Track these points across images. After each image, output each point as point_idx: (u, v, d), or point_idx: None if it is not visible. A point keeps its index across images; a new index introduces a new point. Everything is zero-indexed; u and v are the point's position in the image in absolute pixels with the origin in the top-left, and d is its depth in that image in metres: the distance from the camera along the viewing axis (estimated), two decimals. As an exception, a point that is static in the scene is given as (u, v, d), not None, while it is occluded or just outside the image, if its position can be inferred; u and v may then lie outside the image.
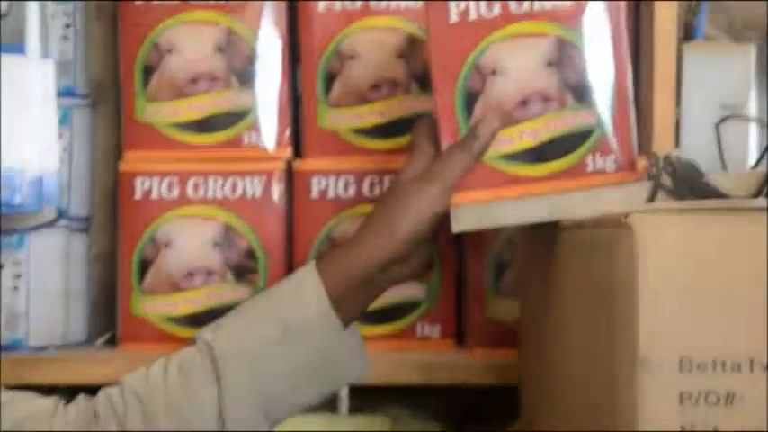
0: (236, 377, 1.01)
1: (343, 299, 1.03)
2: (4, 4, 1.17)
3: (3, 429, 1.00)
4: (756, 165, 1.19)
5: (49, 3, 1.24)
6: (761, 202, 0.91)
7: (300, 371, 1.02)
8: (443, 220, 1.04)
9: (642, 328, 0.84)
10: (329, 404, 1.24)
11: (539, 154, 1.05)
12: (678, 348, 0.83)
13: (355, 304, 1.04)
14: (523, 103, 1.05)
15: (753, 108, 1.44)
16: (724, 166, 1.18)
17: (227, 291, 1.26)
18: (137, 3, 1.27)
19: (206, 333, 1.04)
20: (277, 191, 1.27)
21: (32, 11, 1.18)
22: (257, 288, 1.25)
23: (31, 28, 1.18)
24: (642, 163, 1.05)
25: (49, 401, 1.04)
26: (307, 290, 1.03)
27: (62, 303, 1.29)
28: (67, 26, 1.30)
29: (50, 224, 1.28)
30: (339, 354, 1.04)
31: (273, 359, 1.02)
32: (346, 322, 1.04)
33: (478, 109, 1.05)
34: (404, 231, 1.03)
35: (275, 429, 1.04)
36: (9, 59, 1.18)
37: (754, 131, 1.33)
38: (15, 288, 1.26)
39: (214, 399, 1.01)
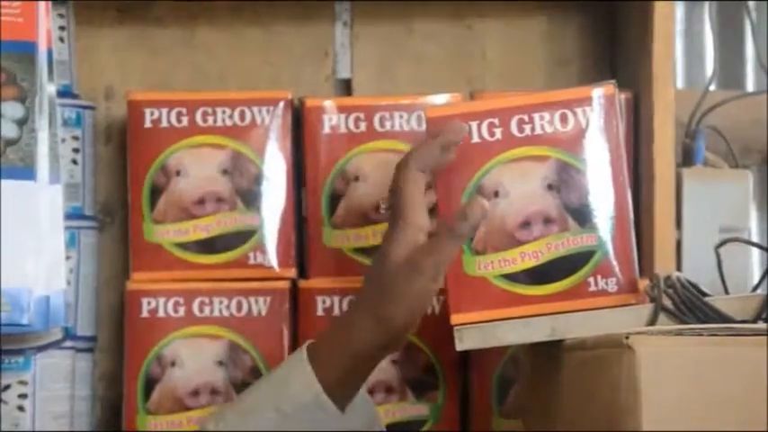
0: None
1: (339, 383, 1.04)
2: (14, 129, 1.19)
3: None
4: (757, 287, 1.20)
5: (59, 128, 1.26)
6: (761, 325, 0.93)
7: None
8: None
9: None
10: None
11: (541, 275, 1.07)
12: None
13: (350, 386, 1.06)
14: (525, 224, 1.07)
15: (753, 231, 1.46)
16: (725, 289, 1.19)
17: (231, 410, 1.26)
18: (146, 127, 1.30)
19: (209, 423, 1.05)
20: (282, 310, 1.28)
21: (42, 136, 1.20)
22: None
23: (40, 153, 1.20)
24: (643, 284, 1.07)
25: None
26: (297, 379, 1.04)
27: (67, 423, 1.29)
28: (76, 150, 1.33)
29: (57, 344, 1.28)
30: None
31: None
32: (344, 402, 1.05)
33: (481, 230, 1.07)
34: (398, 322, 1.04)
35: None
36: (18, 185, 1.19)
37: (754, 254, 1.35)
38: (20, 408, 1.26)
39: None
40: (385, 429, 1.10)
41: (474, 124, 1.08)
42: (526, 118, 1.08)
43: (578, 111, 1.08)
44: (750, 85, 1.59)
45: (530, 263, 1.07)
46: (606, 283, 1.07)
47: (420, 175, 1.06)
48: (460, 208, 1.05)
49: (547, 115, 1.08)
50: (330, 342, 1.06)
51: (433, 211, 1.08)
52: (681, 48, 1.59)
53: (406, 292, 1.04)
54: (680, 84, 1.54)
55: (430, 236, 1.06)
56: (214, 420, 1.05)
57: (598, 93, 1.09)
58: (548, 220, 1.07)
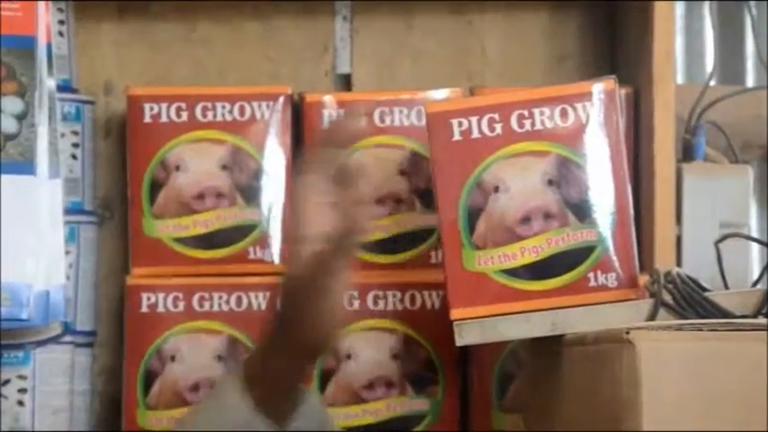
0: None
1: (270, 401, 1.01)
2: (14, 124, 1.19)
3: None
4: (757, 283, 1.20)
5: (59, 123, 1.26)
6: (761, 321, 0.93)
7: None
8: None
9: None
10: None
11: (541, 270, 1.07)
12: None
13: (284, 398, 1.03)
14: (525, 219, 1.08)
15: (753, 226, 1.46)
16: (725, 284, 1.19)
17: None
18: (146, 122, 1.30)
19: None
20: (282, 305, 1.28)
21: (42, 131, 1.20)
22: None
23: (40, 148, 1.20)
24: (643, 279, 1.07)
25: None
26: (228, 401, 1.02)
27: (66, 418, 1.29)
28: (76, 145, 1.33)
29: (56, 339, 1.28)
30: None
31: None
32: (280, 416, 1.01)
33: (481, 225, 1.07)
34: (311, 344, 1.01)
35: None
36: (18, 179, 1.19)
37: (754, 249, 1.35)
38: (20, 403, 1.26)
39: None
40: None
41: (474, 119, 1.08)
42: (526, 113, 1.08)
43: (578, 106, 1.08)
44: (750, 81, 1.59)
45: (530, 258, 1.07)
46: (606, 279, 1.07)
47: (313, 182, 0.99)
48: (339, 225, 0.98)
49: (547, 110, 1.08)
50: (256, 365, 1.03)
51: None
52: (681, 43, 1.59)
53: (307, 314, 0.99)
54: (680, 79, 1.54)
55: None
56: None
57: (598, 88, 1.09)
58: (548, 216, 1.07)
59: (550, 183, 1.08)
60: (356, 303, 1.27)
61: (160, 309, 1.28)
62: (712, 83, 1.42)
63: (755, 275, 1.26)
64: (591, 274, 1.07)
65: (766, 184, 1.58)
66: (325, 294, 0.99)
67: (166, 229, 1.29)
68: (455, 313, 1.07)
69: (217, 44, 1.40)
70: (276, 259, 1.29)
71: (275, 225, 1.30)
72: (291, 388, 1.04)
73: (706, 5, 1.57)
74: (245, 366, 1.04)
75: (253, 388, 1.01)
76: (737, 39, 1.60)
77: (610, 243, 1.07)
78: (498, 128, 1.08)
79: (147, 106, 1.30)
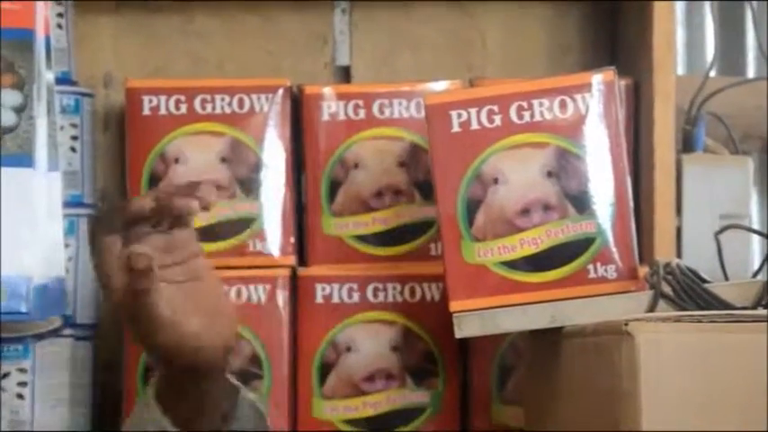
0: None
1: (181, 414, 0.96)
2: (13, 117, 1.19)
3: None
4: (757, 274, 1.20)
5: (58, 115, 1.26)
6: (761, 312, 0.93)
7: None
8: None
9: (645, 428, 0.85)
10: None
11: (540, 262, 1.07)
12: None
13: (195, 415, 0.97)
14: (524, 211, 1.08)
15: (754, 217, 1.46)
16: (725, 275, 1.19)
17: (231, 398, 1.26)
18: (144, 115, 1.29)
19: None
20: (282, 297, 1.28)
21: (40, 124, 1.20)
22: (262, 394, 1.26)
23: (39, 141, 1.20)
24: (643, 271, 1.07)
25: None
26: (149, 418, 0.96)
27: (67, 411, 1.29)
28: (75, 138, 1.33)
29: (55, 332, 1.28)
30: None
31: None
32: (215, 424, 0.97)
33: (480, 217, 1.07)
34: (193, 358, 0.93)
35: None
36: (17, 172, 1.19)
37: (755, 240, 1.35)
38: (20, 396, 1.27)
39: None
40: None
41: (473, 111, 1.08)
42: (525, 105, 1.08)
43: (578, 97, 1.08)
44: (751, 72, 1.59)
45: (529, 250, 1.07)
46: (606, 270, 1.07)
47: (109, 240, 0.93)
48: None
49: (546, 102, 1.08)
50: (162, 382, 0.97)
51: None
52: (682, 34, 1.58)
53: (159, 343, 0.92)
54: (680, 70, 1.54)
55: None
56: None
57: (598, 79, 1.09)
58: (547, 207, 1.07)
59: (550, 174, 1.08)
60: (356, 296, 1.27)
61: (160, 301, 1.28)
62: (712, 74, 1.42)
63: (756, 266, 1.26)
64: (590, 266, 1.07)
65: (766, 174, 1.58)
66: (154, 307, 0.92)
67: (166, 222, 1.29)
68: (454, 305, 1.07)
69: (215, 37, 1.41)
70: (276, 252, 1.29)
71: (275, 218, 1.29)
72: (201, 401, 0.97)
73: (707, -4, 1.57)
74: (155, 384, 0.98)
75: (166, 406, 0.96)
76: (738, 30, 1.60)
77: (609, 235, 1.07)
78: (497, 119, 1.08)
79: (145, 99, 1.30)
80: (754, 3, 1.48)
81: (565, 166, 1.08)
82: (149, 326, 0.92)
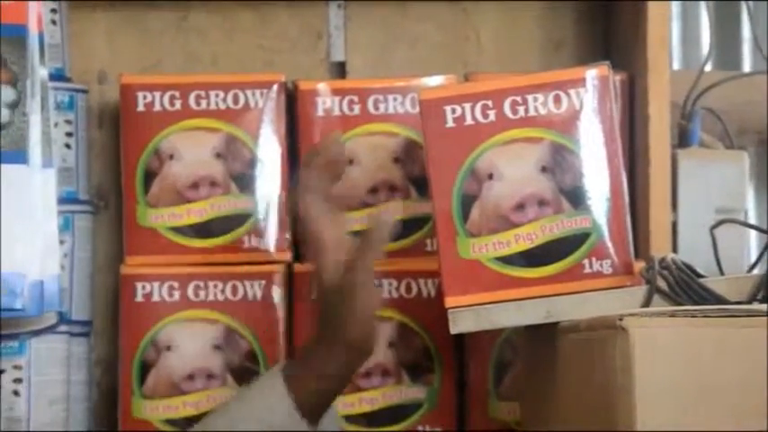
0: None
1: (312, 402, 1.07)
2: (6, 113, 1.19)
3: None
4: (752, 268, 1.20)
5: (52, 112, 1.26)
6: (755, 306, 0.93)
7: None
8: None
9: (640, 423, 0.85)
10: None
11: (535, 257, 1.07)
12: None
13: (325, 403, 1.08)
14: (520, 207, 1.07)
15: (750, 212, 1.46)
16: (720, 270, 1.19)
17: (226, 394, 1.26)
18: (139, 111, 1.29)
19: None
20: (278, 293, 1.28)
21: (34, 120, 1.20)
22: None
23: (33, 137, 1.20)
24: (638, 266, 1.07)
25: None
26: (272, 394, 1.06)
27: (63, 408, 1.29)
28: (70, 134, 1.33)
29: (51, 329, 1.28)
30: None
31: None
32: (316, 418, 1.07)
33: (475, 212, 1.07)
34: (358, 340, 1.08)
35: None
36: (11, 169, 1.19)
37: (750, 235, 1.35)
38: (16, 393, 1.26)
39: None
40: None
41: (467, 106, 1.08)
42: (520, 99, 1.08)
43: (572, 92, 1.08)
44: (746, 66, 1.59)
45: (524, 245, 1.07)
46: (601, 265, 1.07)
47: (315, 199, 1.10)
48: (374, 216, 1.09)
49: (540, 97, 1.08)
50: (302, 366, 1.09)
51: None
52: (677, 28, 1.58)
53: (350, 312, 1.06)
54: (676, 65, 1.54)
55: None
56: None
57: (592, 74, 1.09)
58: (542, 203, 1.07)
59: (544, 170, 1.08)
60: (352, 291, 1.27)
61: (155, 298, 1.28)
62: (708, 68, 1.41)
63: (751, 261, 1.26)
64: (585, 261, 1.07)
65: (764, 169, 1.58)
66: (361, 294, 1.06)
67: (161, 219, 1.29)
68: (449, 301, 1.06)
69: (210, 33, 1.40)
70: (271, 248, 1.29)
71: (270, 214, 1.29)
72: (335, 390, 1.09)
73: (702, -12, 1.57)
74: (288, 366, 1.08)
75: (296, 388, 1.06)
76: (733, 24, 1.60)
77: (605, 230, 1.07)
78: (492, 114, 1.08)
79: (140, 95, 1.30)
80: (750, -3, 1.48)
81: (560, 162, 1.07)
82: (356, 305, 1.05)
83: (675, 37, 1.57)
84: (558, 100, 1.08)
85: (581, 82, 1.08)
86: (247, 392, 1.09)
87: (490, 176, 1.08)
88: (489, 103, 1.08)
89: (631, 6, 1.30)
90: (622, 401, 0.87)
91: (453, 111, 1.08)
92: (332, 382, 1.08)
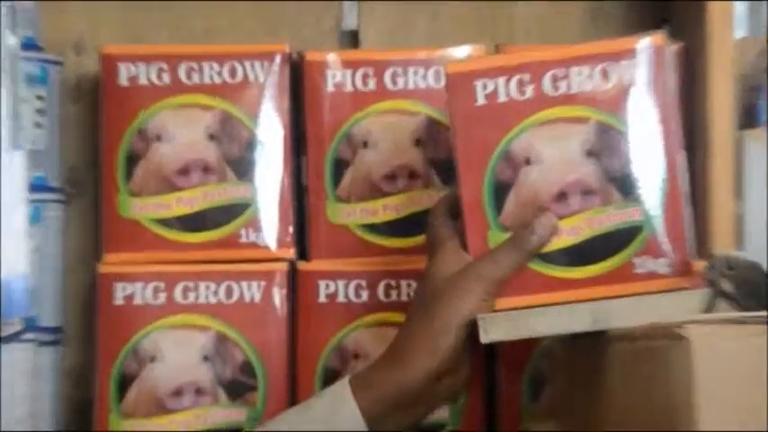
0: None
1: (384, 422, 1.04)
2: (-31, 88, 1.19)
3: None
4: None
5: (21, 86, 1.26)
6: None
7: None
8: None
9: (702, 452, 0.85)
10: None
11: (579, 254, 1.06)
12: None
13: (398, 425, 1.06)
14: (561, 196, 1.07)
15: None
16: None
17: (219, 412, 1.26)
18: (121, 84, 1.29)
19: None
20: (279, 296, 1.28)
21: (2, 95, 1.20)
22: (255, 409, 1.25)
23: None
24: (699, 265, 1.06)
25: None
26: (341, 413, 1.04)
27: (29, 425, 1.28)
28: (41, 112, 1.32)
29: (16, 336, 1.28)
30: None
31: None
32: None
33: (510, 203, 1.07)
34: (448, 343, 1.04)
35: None
36: (-29, 151, 1.19)
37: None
38: (-26, 409, 1.26)
39: None
40: None
41: (501, 81, 1.08)
42: (561, 74, 1.08)
43: (622, 65, 1.08)
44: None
45: (567, 241, 1.07)
46: (655, 264, 1.06)
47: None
48: (529, 222, 1.06)
49: (585, 70, 1.07)
50: (374, 378, 1.06)
51: None
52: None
53: (457, 307, 1.05)
54: (740, 33, 1.52)
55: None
56: None
57: (644, 44, 1.08)
58: (587, 192, 1.07)
59: (590, 154, 1.07)
60: (365, 294, 1.27)
61: (138, 301, 1.27)
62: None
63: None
64: (637, 260, 1.06)
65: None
66: (470, 302, 1.05)
67: (145, 209, 1.29)
68: (482, 304, 1.06)
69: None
70: (272, 244, 1.29)
71: (271, 204, 1.29)
72: (409, 415, 1.06)
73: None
74: (357, 381, 1.06)
75: (364, 407, 1.04)
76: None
77: (659, 223, 1.07)
78: (529, 90, 1.07)
79: (123, 67, 1.29)
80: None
81: (608, 144, 1.07)
82: (478, 289, 1.05)
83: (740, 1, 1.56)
84: (605, 74, 1.07)
85: (632, 53, 1.08)
86: (307, 408, 1.07)
87: (527, 161, 1.07)
88: (526, 77, 1.08)
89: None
90: (682, 421, 0.86)
91: (485, 86, 1.08)
92: (406, 394, 1.05)
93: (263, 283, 1.27)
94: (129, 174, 1.29)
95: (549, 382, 1.26)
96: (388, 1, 1.39)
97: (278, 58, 1.30)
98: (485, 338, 1.05)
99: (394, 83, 1.29)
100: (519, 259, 1.05)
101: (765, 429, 0.85)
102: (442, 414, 1.26)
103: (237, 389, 1.27)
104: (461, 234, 1.08)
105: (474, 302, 1.05)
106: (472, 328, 1.05)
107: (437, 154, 1.28)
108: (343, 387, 1.05)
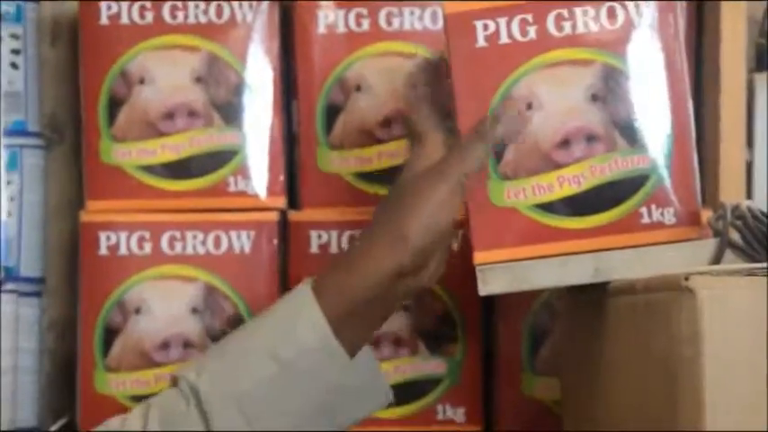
0: (227, 424, 1.01)
1: (348, 323, 1.04)
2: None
3: None
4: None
5: (-6, 24, 1.27)
6: None
7: (303, 410, 1.03)
8: (460, 223, 1.06)
9: (708, 401, 0.86)
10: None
11: (583, 204, 1.06)
12: (748, 423, 0.86)
13: (363, 327, 1.05)
14: (564, 143, 1.07)
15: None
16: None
17: (207, 367, 1.27)
18: (102, 24, 1.29)
19: (189, 373, 1.04)
20: (269, 246, 1.28)
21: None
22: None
23: (-28, 56, 1.20)
24: (707, 215, 1.06)
25: None
26: (302, 318, 1.03)
27: (9, 381, 1.30)
28: (16, 52, 1.33)
29: (-5, 287, 1.29)
30: (348, 386, 1.05)
31: (269, 401, 1.02)
32: (353, 349, 1.05)
33: (510, 149, 1.07)
34: (416, 237, 1.03)
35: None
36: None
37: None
38: (-47, 364, 1.27)
39: None
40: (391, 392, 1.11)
41: (503, 21, 1.07)
42: (566, 13, 1.07)
43: (629, 4, 1.07)
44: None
45: (570, 190, 1.07)
46: (662, 214, 1.06)
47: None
48: (493, 111, 1.06)
49: (591, 10, 1.07)
50: (337, 273, 1.05)
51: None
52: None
53: (426, 201, 1.04)
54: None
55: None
56: (194, 370, 1.04)
57: (653, -17, 1.08)
58: (591, 138, 1.07)
59: (595, 98, 1.07)
60: (358, 244, 1.28)
61: (122, 251, 1.28)
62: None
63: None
64: (643, 209, 1.06)
65: None
66: (442, 190, 1.05)
67: (129, 155, 1.29)
68: (479, 257, 1.06)
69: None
70: (262, 192, 1.29)
71: (261, 151, 1.30)
72: (373, 317, 1.06)
73: None
74: (318, 284, 1.05)
75: (326, 309, 1.03)
76: None
77: (666, 171, 1.07)
78: (532, 31, 1.07)
79: (103, 5, 1.29)
80: None
81: (613, 89, 1.07)
82: (451, 177, 1.04)
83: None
84: (612, 14, 1.07)
85: None
86: (264, 317, 1.06)
87: (529, 106, 1.07)
88: (529, 17, 1.07)
89: None
90: (688, 375, 0.87)
91: (485, 27, 1.07)
92: (370, 293, 1.04)
93: (252, 233, 1.28)
94: (111, 118, 1.29)
95: (550, 337, 1.27)
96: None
97: (267, -3, 1.29)
98: (483, 291, 1.05)
99: (389, 24, 1.29)
100: (484, 151, 1.05)
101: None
102: (437, 370, 1.27)
103: (226, 342, 1.27)
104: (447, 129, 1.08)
105: (444, 198, 1.04)
106: (441, 232, 1.04)
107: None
108: (302, 291, 1.05)
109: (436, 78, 1.14)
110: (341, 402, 1.05)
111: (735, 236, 1.02)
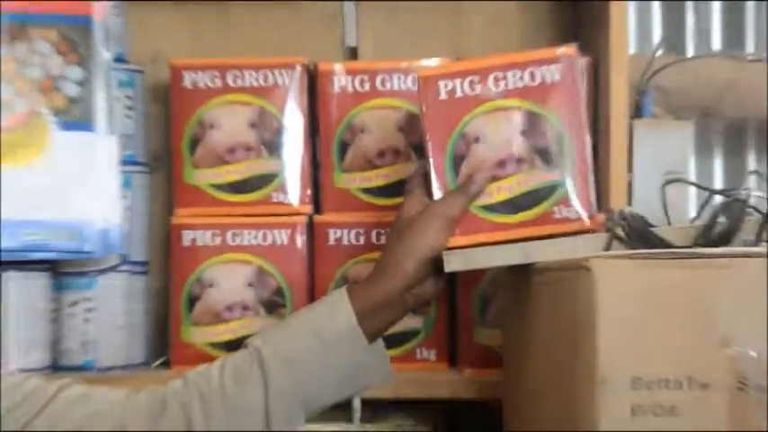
0: (280, 380, 0.97)
1: (369, 318, 1.00)
2: (76, 89, 1.16)
3: (69, 428, 0.95)
4: (694, 220, 1.16)
5: (115, 88, 1.22)
6: (697, 250, 0.88)
7: (332, 375, 0.99)
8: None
9: (601, 353, 0.82)
10: (344, 414, 1.21)
11: (513, 205, 1.03)
12: (630, 370, 0.82)
13: (379, 323, 1.01)
14: (501, 163, 1.03)
15: (691, 174, 1.43)
16: (668, 221, 1.15)
17: (259, 322, 1.23)
18: (186, 87, 1.25)
19: (256, 340, 1.00)
20: (300, 240, 1.24)
21: (100, 96, 1.17)
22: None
23: (98, 109, 1.17)
24: (601, 217, 1.02)
25: (120, 393, 0.99)
26: (339, 310, 1.00)
27: (125, 333, 1.26)
28: (129, 107, 1.29)
29: (115, 268, 1.25)
30: (365, 362, 1.00)
31: (311, 365, 0.98)
32: (372, 337, 1.01)
33: (464, 169, 1.03)
34: (409, 266, 1.00)
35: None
36: (81, 135, 1.17)
37: (692, 192, 1.31)
38: (86, 320, 1.24)
39: (262, 400, 0.97)
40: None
41: (458, 81, 1.04)
42: (501, 75, 1.03)
43: (545, 69, 1.03)
44: (690, 52, 1.53)
45: (504, 195, 1.03)
46: (569, 212, 1.03)
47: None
48: (469, 174, 1.02)
49: (519, 73, 1.03)
50: (364, 283, 1.02)
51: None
52: (633, 18, 1.53)
53: (417, 239, 1.00)
54: (632, 50, 1.49)
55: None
56: (260, 339, 1.00)
57: (562, 53, 1.04)
58: (519, 160, 1.03)
59: (522, 133, 1.03)
60: (362, 239, 1.24)
61: (199, 243, 1.24)
62: (659, 53, 1.37)
63: (693, 214, 1.21)
64: (555, 209, 1.02)
65: (704, 138, 1.54)
66: (429, 234, 1.02)
67: (204, 178, 1.25)
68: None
69: (247, 24, 1.37)
70: (295, 202, 1.25)
71: (294, 174, 1.25)
72: (388, 316, 1.01)
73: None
74: (351, 288, 1.01)
75: (358, 302, 1.00)
76: (680, 12, 1.54)
77: (570, 183, 1.03)
78: (478, 88, 1.03)
79: (186, 74, 1.25)
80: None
81: (534, 127, 1.03)
82: (435, 223, 1.01)
83: (632, 26, 1.52)
84: (533, 75, 1.03)
85: (553, 60, 1.04)
86: (314, 306, 1.03)
87: (477, 140, 1.03)
88: (476, 78, 1.04)
89: (597, 5, 1.24)
90: (586, 333, 0.83)
91: (446, 85, 1.04)
92: (386, 301, 1.00)
93: (289, 231, 1.24)
94: (192, 152, 1.25)
95: (494, 301, 1.23)
96: (379, 27, 1.35)
97: (299, 68, 1.25)
98: (448, 268, 1.01)
99: (383, 85, 1.25)
100: (464, 201, 1.01)
101: (655, 343, 0.82)
102: (416, 325, 1.23)
103: (272, 306, 1.23)
104: (429, 194, 1.04)
105: (431, 235, 1.00)
106: (436, 258, 1.01)
107: (415, 138, 1.23)
108: (341, 292, 1.01)
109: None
110: (359, 374, 1.01)
111: (620, 232, 0.98)
